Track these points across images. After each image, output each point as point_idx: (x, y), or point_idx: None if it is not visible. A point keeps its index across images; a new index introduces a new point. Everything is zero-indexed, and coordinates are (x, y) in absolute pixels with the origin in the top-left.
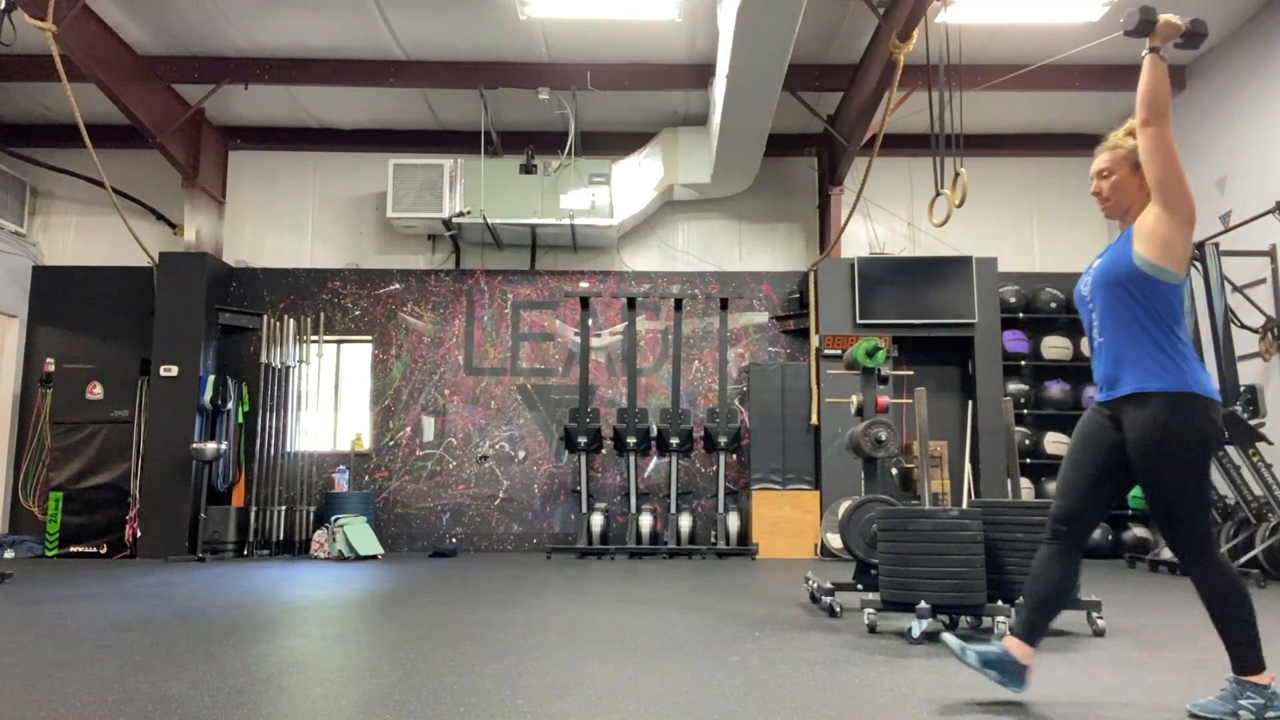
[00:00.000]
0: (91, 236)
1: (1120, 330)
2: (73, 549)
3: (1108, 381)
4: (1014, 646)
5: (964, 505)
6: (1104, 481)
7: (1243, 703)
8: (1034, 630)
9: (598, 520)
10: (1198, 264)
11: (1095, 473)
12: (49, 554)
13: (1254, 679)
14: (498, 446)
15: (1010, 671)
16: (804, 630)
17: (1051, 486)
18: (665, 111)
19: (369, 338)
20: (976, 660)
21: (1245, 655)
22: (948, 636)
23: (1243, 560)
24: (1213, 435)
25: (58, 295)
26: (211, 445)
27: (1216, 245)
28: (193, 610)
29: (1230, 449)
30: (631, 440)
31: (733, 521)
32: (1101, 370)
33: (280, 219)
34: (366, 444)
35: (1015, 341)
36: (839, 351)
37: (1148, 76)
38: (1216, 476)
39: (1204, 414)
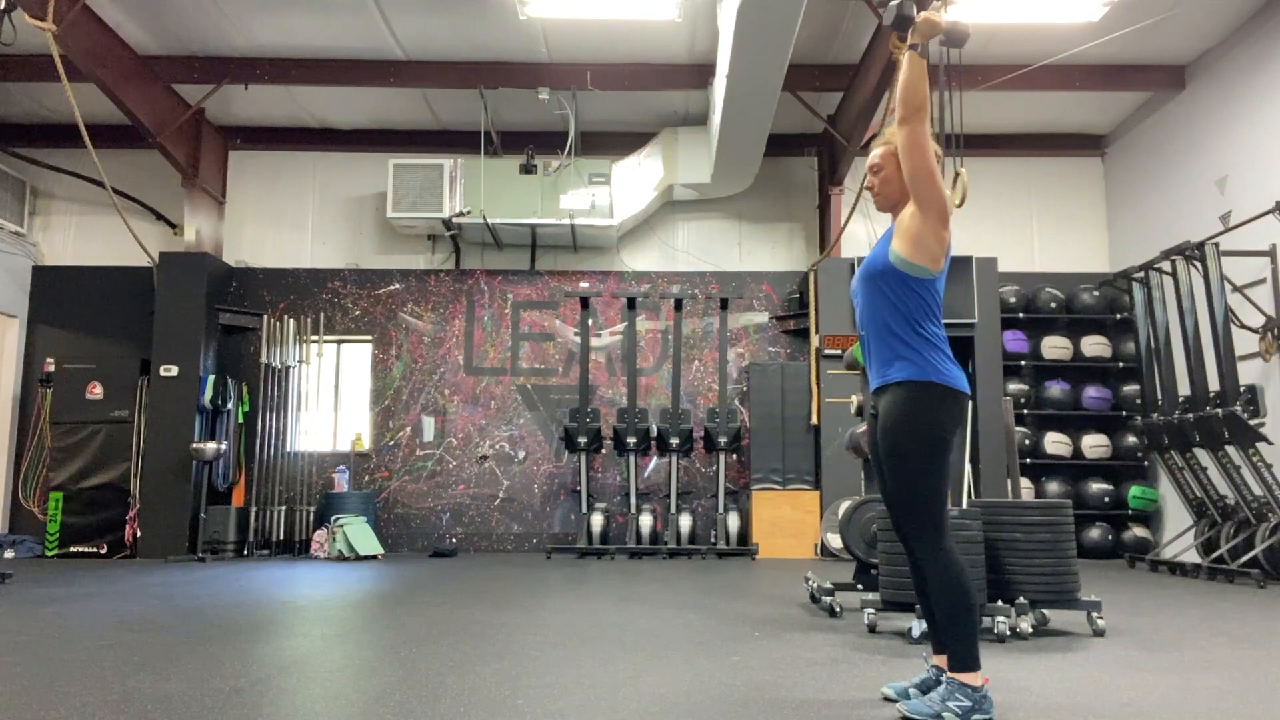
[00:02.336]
0: (91, 236)
1: (878, 324)
2: (73, 549)
3: (872, 374)
4: (941, 661)
5: (964, 505)
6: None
7: (950, 704)
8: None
9: (598, 520)
10: (1198, 264)
11: (880, 468)
12: (49, 554)
13: (966, 679)
14: (498, 446)
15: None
16: (804, 630)
17: (1052, 487)
18: (665, 111)
19: (369, 338)
20: (917, 694)
21: (959, 652)
22: (895, 693)
23: (1243, 560)
24: (949, 425)
25: (58, 295)
26: (211, 445)
27: (1216, 245)
28: (193, 610)
29: (1230, 449)
30: (631, 440)
31: (733, 521)
32: (868, 364)
33: (280, 219)
34: (366, 444)
35: (1015, 341)
36: (839, 351)
37: (905, 73)
38: (1216, 476)
39: (940, 403)
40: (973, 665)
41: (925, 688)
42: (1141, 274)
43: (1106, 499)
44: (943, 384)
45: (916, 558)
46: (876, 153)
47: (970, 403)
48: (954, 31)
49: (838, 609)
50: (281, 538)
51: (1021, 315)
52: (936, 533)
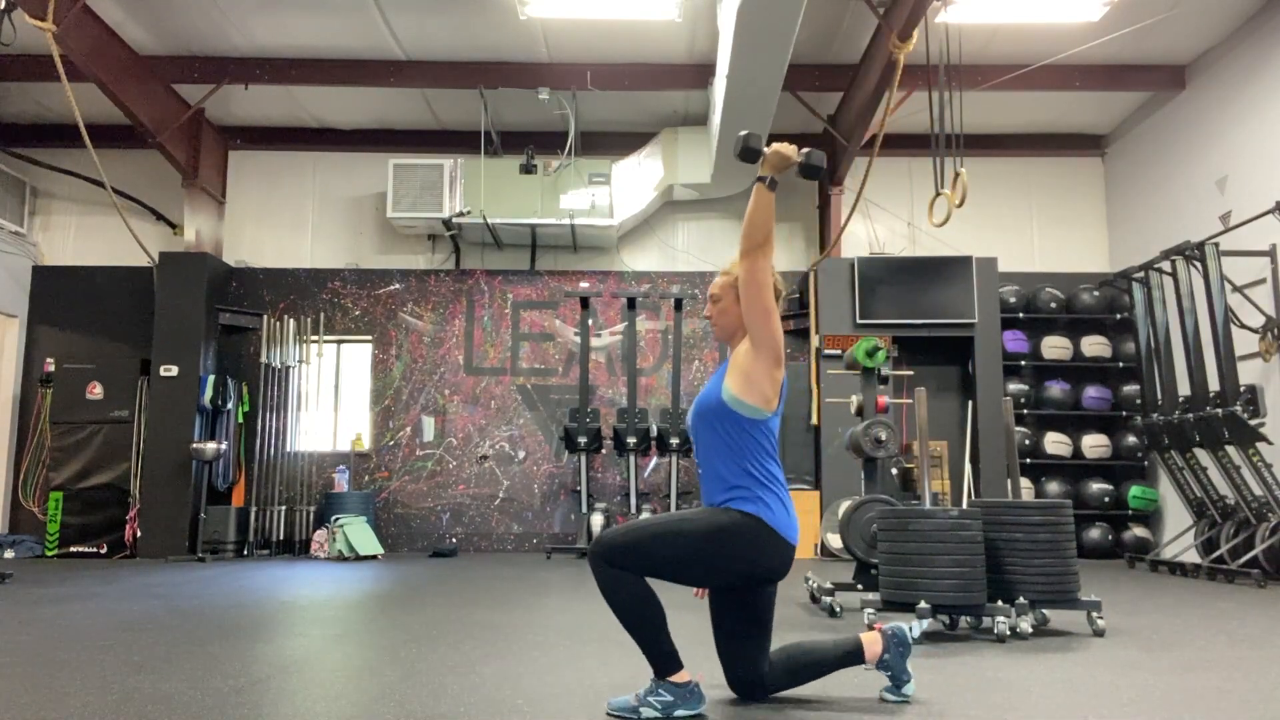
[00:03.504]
0: (91, 236)
1: (711, 463)
2: (73, 549)
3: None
4: (676, 677)
5: (964, 505)
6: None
7: (651, 699)
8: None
9: (598, 520)
10: (1197, 264)
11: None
12: (49, 554)
13: (673, 678)
14: (498, 446)
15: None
16: (804, 630)
17: (1052, 487)
18: (665, 111)
19: (369, 338)
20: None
21: (651, 659)
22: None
23: (1243, 560)
24: (751, 555)
25: (58, 295)
26: (211, 445)
27: (1216, 245)
28: (193, 610)
29: (1230, 449)
30: (631, 440)
31: None
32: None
33: (280, 219)
34: (366, 444)
35: (1015, 341)
36: (839, 351)
37: (751, 206)
38: (1216, 476)
39: (758, 536)
40: (672, 668)
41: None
42: (1141, 274)
43: (1106, 499)
44: (772, 526)
45: (601, 577)
46: (717, 282)
47: (792, 554)
48: (808, 164)
49: (838, 609)
50: (281, 538)
51: (1021, 315)
52: (634, 568)
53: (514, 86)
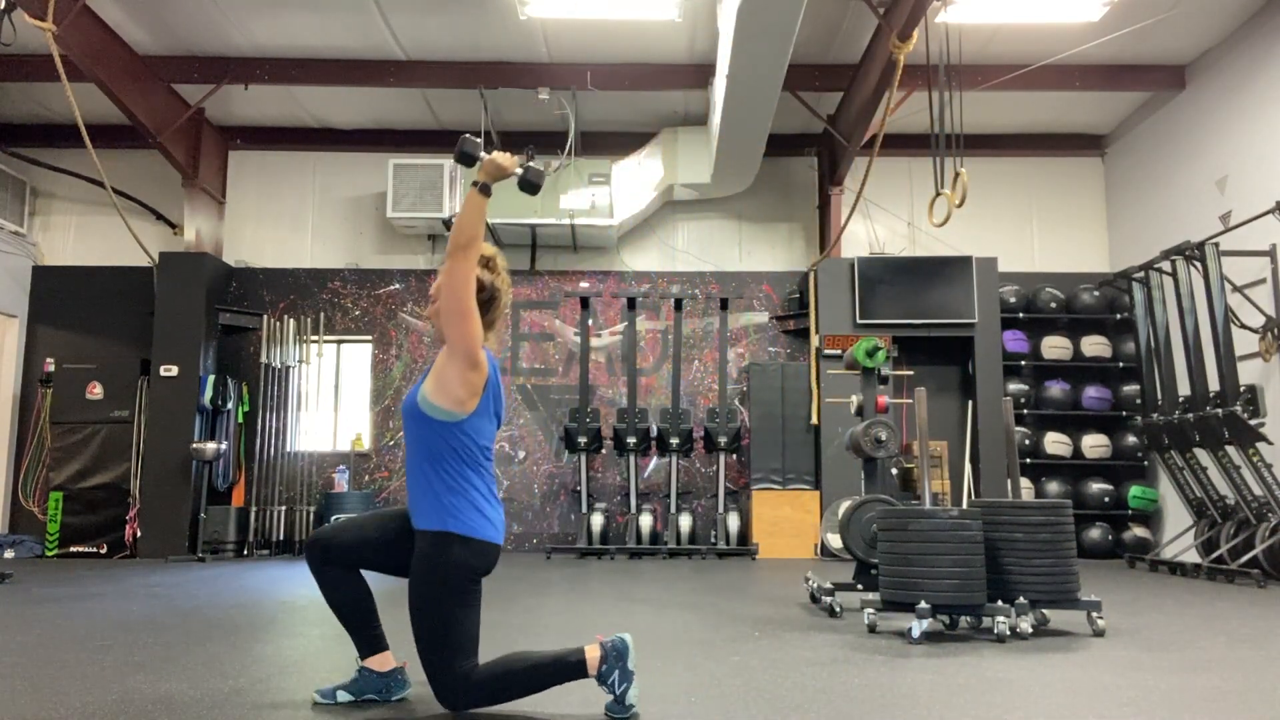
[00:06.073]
0: (91, 236)
1: (411, 458)
2: (73, 549)
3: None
4: (370, 664)
5: (964, 505)
6: (380, 547)
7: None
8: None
9: (598, 520)
10: (1197, 264)
11: (381, 536)
12: (49, 554)
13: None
14: (498, 446)
15: (382, 686)
16: (804, 630)
17: (1052, 487)
18: (665, 111)
19: (369, 338)
20: (350, 696)
21: (571, 671)
22: (319, 694)
23: (1243, 560)
24: (468, 574)
25: (58, 295)
26: (211, 445)
27: (1216, 245)
28: (193, 610)
29: (1230, 449)
30: (631, 440)
31: (733, 521)
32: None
33: (280, 219)
34: (366, 444)
35: (1015, 341)
36: (839, 351)
37: (462, 209)
38: (1216, 476)
39: (456, 554)
40: (580, 663)
41: (357, 690)
42: (1141, 274)
43: (1106, 499)
44: (460, 534)
45: (448, 689)
46: (436, 282)
47: (496, 550)
48: (524, 179)
49: (838, 609)
50: (281, 538)
51: (1021, 315)
52: (464, 663)
53: (514, 86)
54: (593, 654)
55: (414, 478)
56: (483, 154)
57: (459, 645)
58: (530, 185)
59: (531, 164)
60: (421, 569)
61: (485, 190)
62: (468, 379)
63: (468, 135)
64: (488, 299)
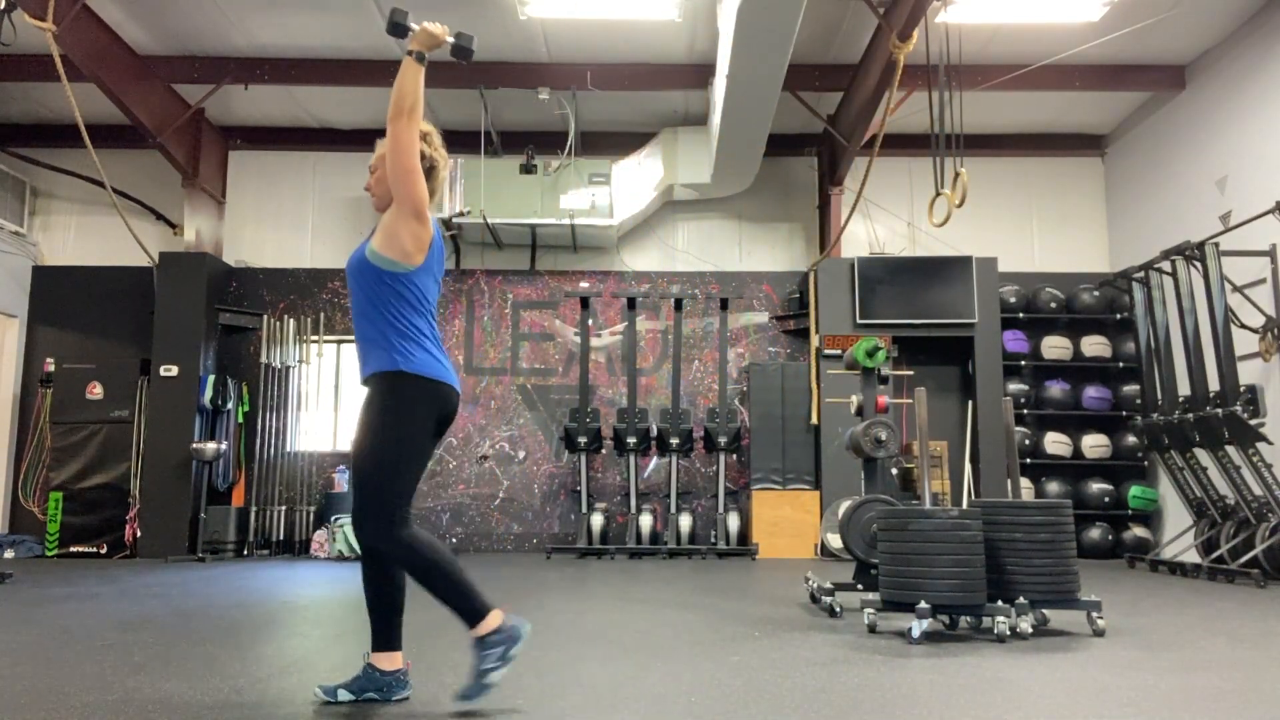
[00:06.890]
0: (91, 236)
1: (359, 316)
2: (73, 549)
3: (359, 370)
4: (377, 660)
5: (964, 505)
6: None
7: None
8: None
9: (598, 520)
10: (1198, 264)
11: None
12: (49, 554)
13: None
14: (498, 446)
15: (384, 684)
16: (804, 630)
17: (1052, 487)
18: (665, 111)
19: None
20: (350, 695)
21: (463, 612)
22: (320, 690)
23: (1243, 560)
24: (419, 412)
25: (58, 295)
26: (211, 445)
27: (1216, 245)
28: (193, 610)
29: (1230, 449)
30: (631, 440)
31: (733, 521)
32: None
33: (280, 219)
34: None
35: (1015, 341)
36: (839, 351)
37: (399, 76)
38: (1216, 476)
39: (404, 389)
40: (483, 613)
41: (357, 689)
42: (1141, 274)
43: (1106, 499)
44: (413, 372)
45: (381, 553)
46: (376, 154)
47: (453, 392)
48: (457, 45)
49: (838, 609)
50: (281, 538)
51: (1021, 315)
52: (391, 525)
53: (514, 86)
54: (494, 619)
55: (363, 331)
56: (414, 24)
57: (401, 492)
58: (462, 50)
59: (461, 32)
60: (375, 407)
61: (420, 59)
62: (415, 232)
63: (397, 8)
64: (428, 168)
